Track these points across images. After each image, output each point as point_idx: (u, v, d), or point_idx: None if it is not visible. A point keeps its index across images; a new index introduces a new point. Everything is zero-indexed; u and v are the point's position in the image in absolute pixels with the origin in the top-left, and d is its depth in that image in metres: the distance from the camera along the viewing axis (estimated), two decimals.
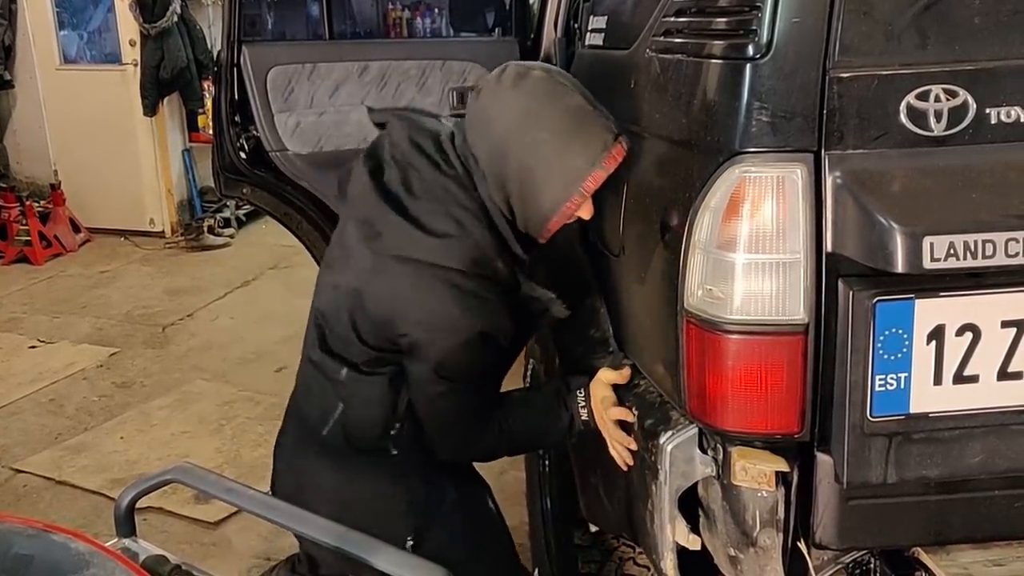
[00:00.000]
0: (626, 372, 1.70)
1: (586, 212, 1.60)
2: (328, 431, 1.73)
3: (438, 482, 1.76)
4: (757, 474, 1.42)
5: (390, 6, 5.13)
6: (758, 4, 1.36)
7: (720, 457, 1.48)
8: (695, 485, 1.56)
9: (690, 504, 1.59)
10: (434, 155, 1.61)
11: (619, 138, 1.57)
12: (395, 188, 1.60)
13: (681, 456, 1.51)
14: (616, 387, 1.71)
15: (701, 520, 1.58)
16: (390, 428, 1.70)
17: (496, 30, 3.83)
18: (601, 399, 1.70)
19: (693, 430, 1.51)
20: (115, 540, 1.36)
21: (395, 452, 1.71)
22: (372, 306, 1.62)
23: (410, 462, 1.73)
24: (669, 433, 1.52)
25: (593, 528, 2.02)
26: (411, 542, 1.69)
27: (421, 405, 1.66)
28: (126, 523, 1.39)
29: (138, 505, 1.40)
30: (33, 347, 4.74)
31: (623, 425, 1.68)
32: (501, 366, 1.73)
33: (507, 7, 3.74)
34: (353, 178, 1.69)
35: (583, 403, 1.72)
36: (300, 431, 1.82)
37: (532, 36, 3.48)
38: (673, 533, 1.54)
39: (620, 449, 1.68)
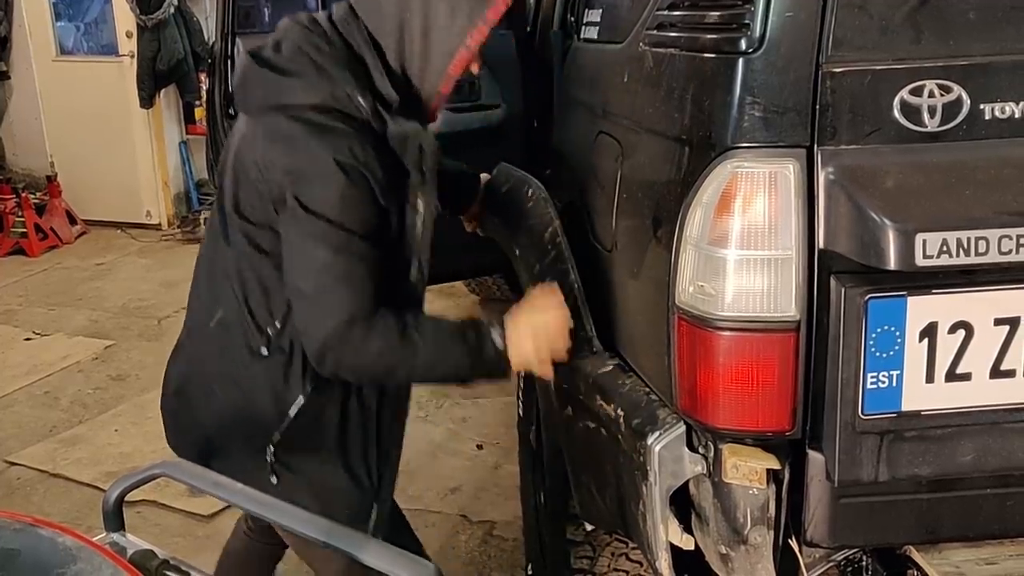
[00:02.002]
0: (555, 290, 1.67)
1: (476, 66, 1.64)
2: (215, 322, 1.69)
3: (313, 397, 1.64)
4: (748, 471, 1.42)
5: None
6: None
7: (711, 455, 1.48)
8: (687, 482, 1.55)
9: (682, 501, 1.58)
10: (307, 24, 1.63)
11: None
12: (266, 54, 1.62)
13: (670, 456, 1.50)
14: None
15: (692, 518, 1.58)
16: (266, 326, 1.62)
17: None
18: (534, 325, 1.62)
19: (681, 429, 1.50)
20: (103, 535, 1.35)
21: (266, 354, 1.63)
22: (241, 167, 1.60)
23: (282, 369, 1.64)
24: (657, 433, 1.50)
25: (589, 527, 2.02)
26: (271, 450, 1.65)
27: (296, 277, 1.54)
28: (114, 517, 1.38)
29: (132, 498, 1.39)
30: (28, 339, 4.73)
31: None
32: (387, 246, 1.60)
33: None
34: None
35: (498, 332, 1.60)
36: (190, 321, 1.80)
37: (529, 29, 3.48)
38: (666, 533, 1.53)
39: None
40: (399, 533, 1.85)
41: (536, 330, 1.62)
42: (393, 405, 1.75)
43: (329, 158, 1.49)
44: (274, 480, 1.66)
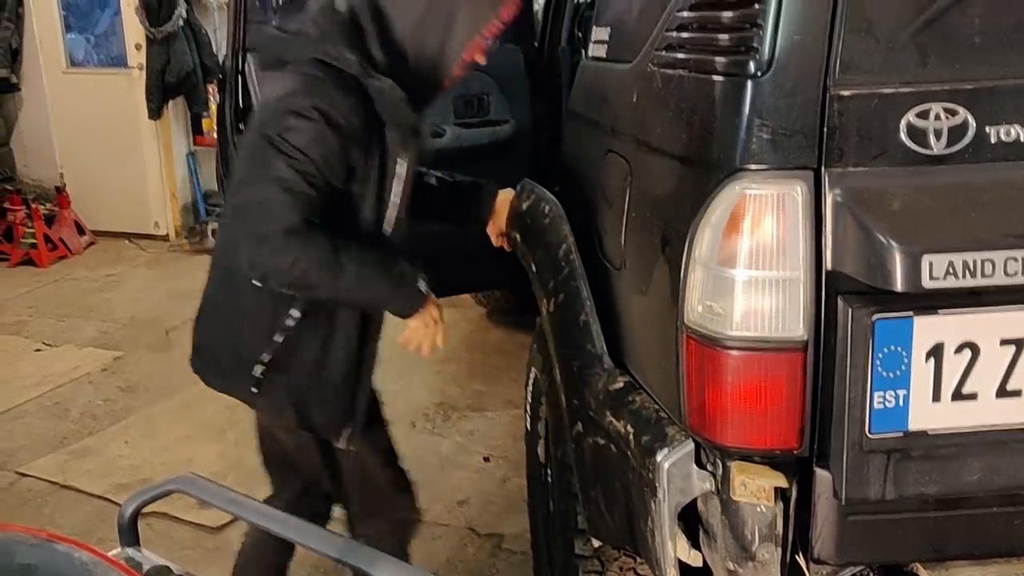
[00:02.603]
0: None
1: (482, 57, 1.89)
2: (225, 256, 1.92)
3: (299, 325, 1.85)
4: (756, 489, 1.43)
5: None
6: (759, 21, 1.37)
7: (719, 472, 1.49)
8: (695, 499, 1.56)
9: (690, 517, 1.59)
10: (324, 2, 1.86)
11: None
12: (288, 25, 1.96)
13: (678, 473, 1.51)
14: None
15: (700, 534, 1.59)
16: None
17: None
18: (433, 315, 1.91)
19: (689, 446, 1.52)
20: (118, 550, 1.36)
21: (260, 285, 1.80)
22: (255, 114, 1.86)
23: (272, 298, 1.83)
24: (666, 450, 1.52)
25: (596, 543, 2.03)
26: (260, 368, 1.87)
27: (251, 184, 1.73)
28: (129, 532, 1.39)
29: (141, 511, 1.40)
30: (38, 350, 4.75)
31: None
32: (356, 197, 1.80)
33: None
34: None
35: (423, 278, 1.87)
36: (215, 255, 2.02)
37: (536, 44, 3.50)
38: (675, 549, 1.54)
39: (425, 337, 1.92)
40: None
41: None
42: (371, 338, 1.97)
43: (312, 103, 1.71)
44: (254, 391, 1.90)
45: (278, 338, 1.86)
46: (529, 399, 2.54)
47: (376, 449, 2.11)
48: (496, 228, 2.24)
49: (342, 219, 1.79)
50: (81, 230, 6.49)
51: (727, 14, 1.45)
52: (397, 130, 1.80)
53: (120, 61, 6.48)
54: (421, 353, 1.94)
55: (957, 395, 1.36)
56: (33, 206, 6.21)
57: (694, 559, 1.57)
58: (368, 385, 2.01)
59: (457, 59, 1.86)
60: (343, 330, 1.90)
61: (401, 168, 1.83)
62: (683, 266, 1.45)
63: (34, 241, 6.11)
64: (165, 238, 6.61)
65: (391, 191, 1.83)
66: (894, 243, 1.28)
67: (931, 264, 1.27)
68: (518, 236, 2.18)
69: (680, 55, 1.59)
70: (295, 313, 1.84)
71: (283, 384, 1.90)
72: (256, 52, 1.92)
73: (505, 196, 2.22)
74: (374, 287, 1.82)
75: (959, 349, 1.35)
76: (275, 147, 1.70)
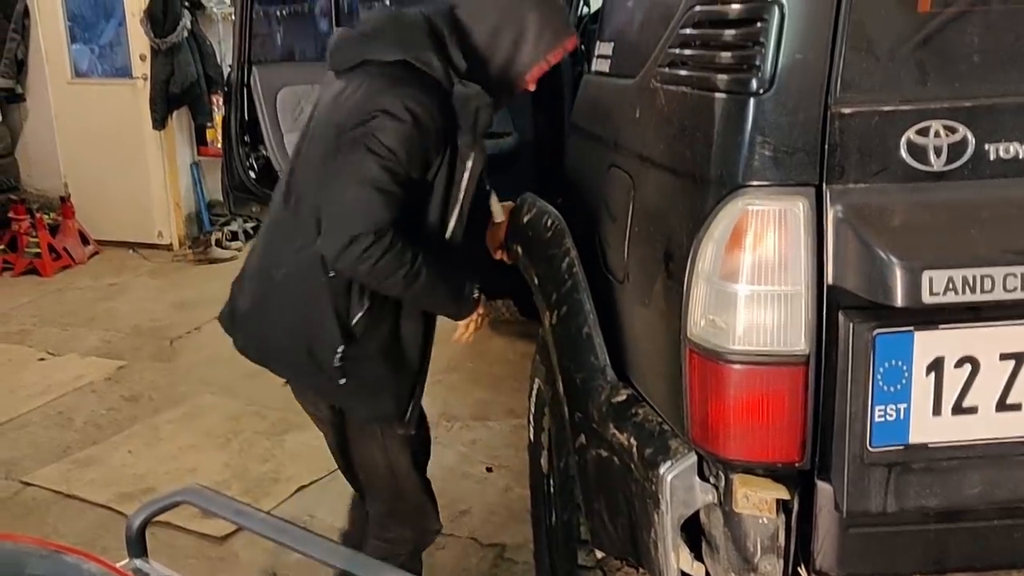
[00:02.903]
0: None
1: (532, 84, 2.02)
2: (295, 251, 1.96)
3: (370, 314, 1.92)
4: (758, 501, 1.44)
5: None
6: (761, 39, 1.39)
7: (722, 485, 1.50)
8: (698, 511, 1.57)
9: (693, 529, 1.61)
10: (393, 8, 1.97)
11: (574, 33, 2.04)
12: (357, 26, 2.00)
13: (681, 485, 1.52)
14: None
15: (703, 546, 1.60)
16: None
17: None
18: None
19: (692, 459, 1.53)
20: (126, 561, 1.37)
21: (333, 275, 1.87)
22: (329, 114, 1.90)
23: (345, 289, 1.90)
24: (669, 463, 1.53)
25: (599, 555, 2.04)
26: (338, 356, 1.92)
27: (343, 183, 1.80)
28: (137, 544, 1.40)
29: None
30: (42, 359, 4.76)
31: None
32: (427, 196, 1.88)
33: None
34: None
35: (476, 288, 2.04)
36: (269, 250, 2.05)
37: None
38: (677, 561, 1.56)
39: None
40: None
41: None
42: (431, 329, 2.07)
43: (402, 104, 1.78)
44: (342, 382, 1.95)
45: (354, 327, 1.91)
46: (532, 410, 2.56)
47: (410, 449, 2.15)
48: (495, 240, 2.25)
49: (410, 218, 1.85)
50: (85, 240, 6.51)
51: (730, 32, 1.47)
52: (471, 134, 1.86)
53: (124, 72, 6.50)
54: (464, 341, 2.16)
55: (957, 409, 1.38)
56: (37, 216, 6.23)
57: (697, 571, 1.58)
58: (427, 371, 2.09)
59: (521, 79, 1.96)
60: (410, 317, 1.98)
61: (467, 172, 1.90)
62: (686, 280, 1.46)
63: (38, 251, 6.13)
64: (168, 248, 6.62)
65: (457, 192, 1.90)
66: (895, 259, 1.30)
67: (931, 280, 1.29)
68: (520, 248, 2.20)
69: (683, 72, 1.61)
70: (365, 303, 1.91)
71: (361, 373, 1.96)
72: (334, 54, 1.95)
73: (504, 208, 2.24)
74: (439, 295, 1.96)
75: (959, 363, 1.36)
76: (366, 146, 1.77)
